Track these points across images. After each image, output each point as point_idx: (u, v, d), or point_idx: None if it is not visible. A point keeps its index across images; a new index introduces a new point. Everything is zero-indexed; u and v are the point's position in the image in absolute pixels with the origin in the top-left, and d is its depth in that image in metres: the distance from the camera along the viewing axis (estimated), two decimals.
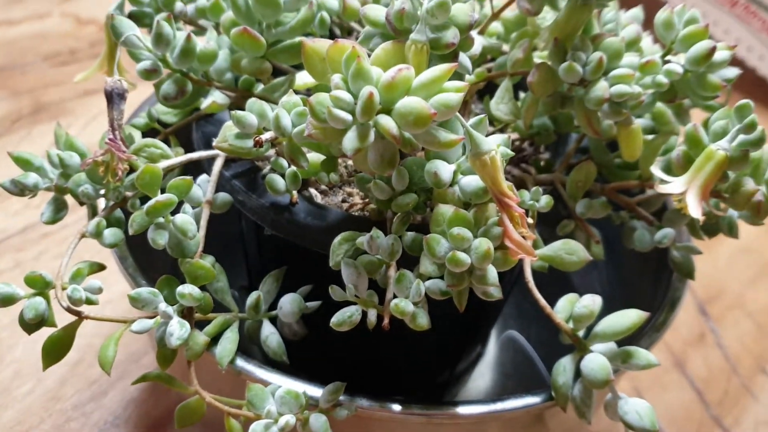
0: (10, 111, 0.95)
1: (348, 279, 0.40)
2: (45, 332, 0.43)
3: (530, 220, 0.39)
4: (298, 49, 0.46)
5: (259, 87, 0.49)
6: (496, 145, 0.38)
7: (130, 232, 0.40)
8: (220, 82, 0.48)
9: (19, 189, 0.44)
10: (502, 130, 0.51)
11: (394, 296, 0.40)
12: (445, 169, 0.40)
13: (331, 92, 0.35)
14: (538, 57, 0.48)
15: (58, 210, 0.45)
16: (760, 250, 0.93)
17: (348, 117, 0.35)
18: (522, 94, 0.54)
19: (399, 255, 0.40)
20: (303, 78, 0.49)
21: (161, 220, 0.40)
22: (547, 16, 0.48)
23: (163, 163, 0.43)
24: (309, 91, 0.50)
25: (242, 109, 0.48)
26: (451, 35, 0.39)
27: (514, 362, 0.63)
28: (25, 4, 1.14)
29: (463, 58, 0.40)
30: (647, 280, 0.56)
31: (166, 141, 0.50)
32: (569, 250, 0.43)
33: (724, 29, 1.16)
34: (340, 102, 0.35)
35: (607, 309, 0.43)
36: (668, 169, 0.45)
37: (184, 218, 0.40)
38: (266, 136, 0.41)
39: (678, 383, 0.75)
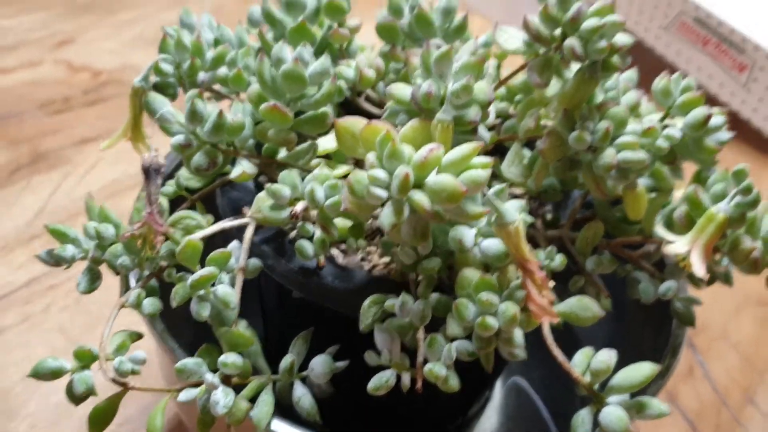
0: (8, 160, 0.96)
1: (382, 344, 0.42)
2: (59, 385, 0.43)
3: (552, 283, 0.42)
4: (322, 120, 0.49)
5: (282, 152, 0.52)
6: (519, 214, 0.41)
7: (173, 304, 0.42)
8: (243, 149, 0.51)
9: (55, 260, 0.46)
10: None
11: (425, 359, 0.42)
12: (468, 236, 0.42)
13: (367, 171, 0.38)
14: (545, 121, 0.51)
15: (94, 280, 0.47)
16: (741, 281, 0.97)
17: (384, 194, 0.37)
18: (525, 151, 0.57)
19: (429, 319, 0.42)
20: (324, 144, 0.51)
21: (203, 292, 0.42)
22: (551, 83, 0.52)
23: (199, 234, 0.45)
24: (329, 156, 0.53)
25: (267, 174, 0.51)
26: (473, 113, 0.42)
27: (518, 408, 0.66)
28: (18, 52, 1.16)
29: (482, 130, 0.43)
30: (648, 327, 0.59)
31: (192, 207, 0.52)
32: (583, 307, 0.46)
33: (697, 66, 1.21)
34: (377, 181, 0.37)
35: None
36: (670, 226, 0.48)
37: (226, 290, 0.42)
38: (299, 207, 0.44)
39: (671, 417, 0.78)
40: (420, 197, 0.37)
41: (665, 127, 0.49)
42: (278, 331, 0.56)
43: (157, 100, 0.46)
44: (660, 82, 0.49)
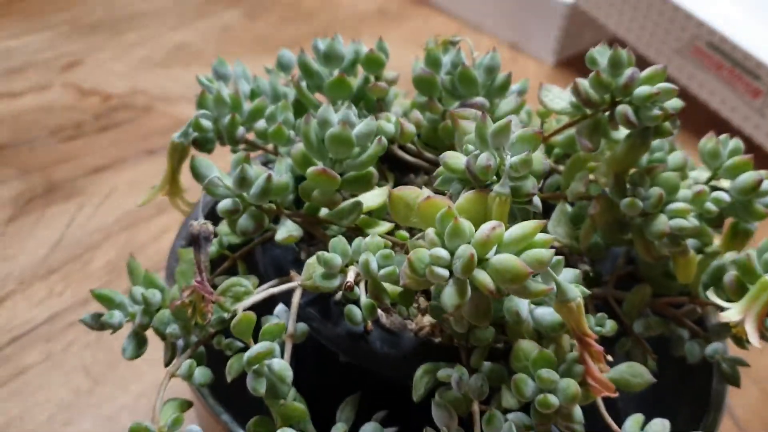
0: (22, 190, 0.95)
1: (441, 421, 0.42)
2: (86, 427, 0.42)
3: (610, 358, 0.42)
4: (368, 180, 0.48)
5: (322, 209, 0.51)
6: (576, 287, 0.40)
7: (228, 379, 0.41)
8: (283, 205, 0.50)
9: (100, 326, 0.45)
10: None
11: None
12: (524, 308, 0.42)
13: (428, 249, 0.37)
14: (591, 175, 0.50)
15: (140, 346, 0.46)
16: None
17: (446, 273, 0.37)
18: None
19: (486, 395, 0.42)
20: (368, 201, 0.51)
21: (258, 366, 0.41)
22: None
23: (248, 302, 0.45)
24: (371, 215, 0.52)
25: (309, 233, 0.50)
26: (531, 185, 0.41)
27: None
28: (26, 75, 1.15)
29: (536, 200, 0.43)
30: (686, 382, 0.59)
31: (233, 266, 0.52)
32: (634, 373, 0.45)
33: (709, 91, 1.21)
34: (440, 260, 0.37)
35: (651, 411, 0.45)
36: (718, 289, 0.48)
37: (282, 365, 0.41)
38: (352, 277, 0.43)
39: None
40: (483, 277, 0.37)
41: (713, 189, 0.48)
42: (319, 393, 0.55)
43: (204, 164, 0.45)
44: (708, 143, 0.49)
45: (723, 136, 0.49)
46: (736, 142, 0.48)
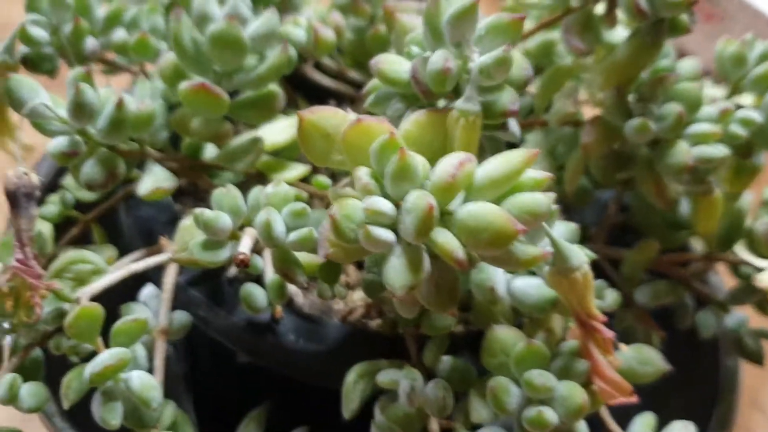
0: None
1: None
2: None
3: (624, 348, 0.29)
4: (269, 103, 0.35)
5: (207, 148, 0.37)
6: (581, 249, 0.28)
7: (64, 405, 0.27)
8: (153, 146, 0.35)
9: None
10: None
11: None
12: (501, 282, 0.29)
13: (362, 199, 0.24)
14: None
15: None
16: None
17: (391, 237, 0.24)
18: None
19: (450, 410, 0.29)
20: (271, 136, 0.37)
21: (110, 383, 0.27)
22: None
23: (98, 285, 0.30)
24: (278, 155, 0.38)
25: (192, 183, 0.36)
26: (508, 99, 0.28)
27: None
28: None
29: (513, 124, 0.30)
30: (692, 358, 0.47)
31: (87, 233, 0.37)
32: (643, 360, 0.33)
33: None
34: (381, 216, 0.23)
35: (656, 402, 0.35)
36: (750, 245, 0.36)
37: (144, 381, 0.27)
38: (246, 246, 0.29)
39: None
40: (447, 240, 0.23)
41: (737, 107, 0.36)
42: (217, 403, 0.41)
43: (24, 84, 0.31)
44: (728, 46, 0.36)
45: (748, 36, 0.36)
46: (766, 45, 0.36)
